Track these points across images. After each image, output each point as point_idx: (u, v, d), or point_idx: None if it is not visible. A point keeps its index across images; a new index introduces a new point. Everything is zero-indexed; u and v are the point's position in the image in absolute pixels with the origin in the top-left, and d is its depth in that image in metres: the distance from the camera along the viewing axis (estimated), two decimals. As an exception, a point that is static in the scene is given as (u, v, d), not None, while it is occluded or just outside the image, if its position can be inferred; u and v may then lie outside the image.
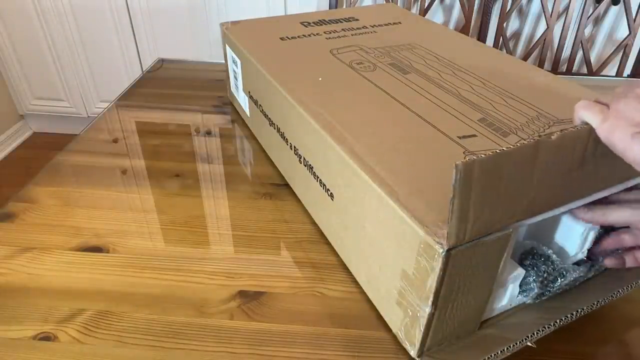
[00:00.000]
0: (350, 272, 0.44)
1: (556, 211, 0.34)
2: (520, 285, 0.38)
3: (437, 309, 0.32)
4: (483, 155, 0.26)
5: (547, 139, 0.29)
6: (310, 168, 0.46)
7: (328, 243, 0.48)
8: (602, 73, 1.27)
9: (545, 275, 0.37)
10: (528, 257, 0.38)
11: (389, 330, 0.39)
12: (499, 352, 0.34)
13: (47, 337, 0.38)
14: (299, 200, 0.54)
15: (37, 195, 0.54)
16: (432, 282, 0.31)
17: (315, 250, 0.47)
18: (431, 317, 0.33)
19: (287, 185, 0.56)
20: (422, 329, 0.34)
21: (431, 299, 0.32)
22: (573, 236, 0.38)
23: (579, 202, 0.36)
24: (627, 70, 1.23)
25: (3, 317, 0.40)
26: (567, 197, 0.34)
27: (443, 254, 0.29)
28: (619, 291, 0.40)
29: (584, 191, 0.35)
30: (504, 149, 0.28)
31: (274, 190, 0.56)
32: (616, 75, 1.21)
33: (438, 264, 0.30)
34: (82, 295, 0.42)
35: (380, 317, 0.40)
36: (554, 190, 0.33)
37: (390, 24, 0.68)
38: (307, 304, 0.42)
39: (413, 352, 0.36)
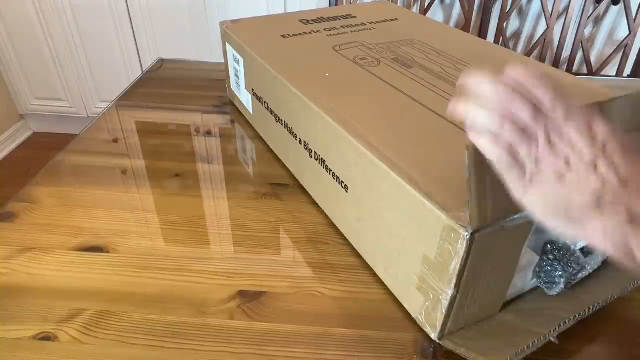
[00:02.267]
0: (351, 272, 0.44)
1: None
2: (545, 280, 0.38)
3: (460, 292, 0.33)
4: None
5: None
6: (322, 162, 0.47)
7: (328, 243, 0.48)
8: (602, 73, 1.27)
9: (571, 270, 0.38)
10: (553, 250, 0.38)
11: (389, 330, 0.39)
12: (525, 347, 0.34)
13: (47, 337, 0.38)
14: (299, 200, 0.54)
15: (37, 195, 0.54)
16: (455, 265, 0.32)
17: (315, 250, 0.47)
18: (453, 299, 0.34)
19: (287, 185, 0.56)
20: (444, 312, 0.34)
21: (454, 281, 0.33)
22: None
23: None
24: (627, 70, 1.23)
25: (3, 317, 0.40)
26: None
27: (468, 237, 0.30)
28: (631, 284, 0.40)
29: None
30: None
31: (274, 190, 0.56)
32: (616, 75, 1.21)
33: (462, 247, 0.31)
34: (82, 295, 0.42)
35: (380, 317, 0.40)
36: None
37: (387, 20, 0.69)
38: (307, 304, 0.42)
39: (434, 335, 0.37)
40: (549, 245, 0.38)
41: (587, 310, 0.37)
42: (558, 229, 0.24)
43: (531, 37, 1.58)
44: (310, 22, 0.68)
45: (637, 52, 1.22)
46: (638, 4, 1.18)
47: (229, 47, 0.67)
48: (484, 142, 0.26)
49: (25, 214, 0.51)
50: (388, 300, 0.42)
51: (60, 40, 1.78)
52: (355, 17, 0.70)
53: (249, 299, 0.42)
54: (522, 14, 1.55)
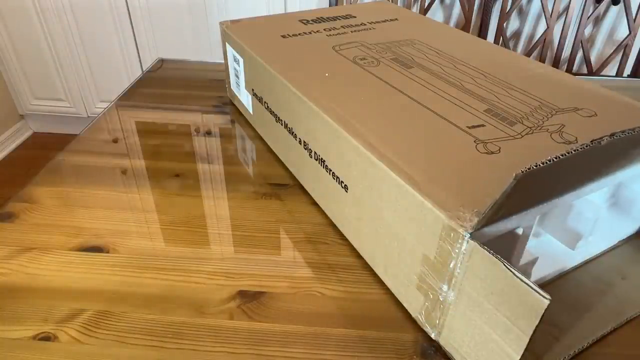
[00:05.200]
0: (351, 272, 0.44)
1: (571, 196, 0.36)
2: None
3: None
4: (542, 164, 0.28)
5: (598, 144, 0.31)
6: (322, 162, 0.47)
7: (328, 243, 0.48)
8: (602, 73, 1.27)
9: None
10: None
11: (389, 330, 0.39)
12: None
13: (47, 337, 0.38)
14: (299, 200, 0.54)
15: (37, 195, 0.54)
16: (455, 265, 0.32)
17: (315, 250, 0.47)
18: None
19: (287, 185, 0.56)
20: (444, 311, 0.35)
21: (453, 281, 0.33)
22: (582, 221, 0.40)
23: (593, 184, 0.37)
24: (627, 70, 1.23)
25: (3, 317, 0.40)
26: (583, 181, 0.36)
27: (467, 237, 0.30)
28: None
29: (599, 174, 0.38)
30: (560, 156, 0.29)
31: (274, 190, 0.56)
32: (616, 75, 1.21)
33: (462, 247, 0.31)
34: (82, 295, 0.42)
35: (380, 317, 0.40)
36: (577, 177, 0.35)
37: (387, 20, 0.69)
38: (307, 304, 0.42)
39: (434, 335, 0.37)
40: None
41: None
42: None
43: (531, 37, 1.58)
44: (310, 22, 0.68)
45: (637, 52, 1.22)
46: (638, 4, 1.18)
47: (228, 47, 0.67)
48: None
49: (25, 214, 0.51)
50: (388, 300, 0.42)
51: (60, 40, 1.78)
52: (355, 17, 0.70)
53: (249, 299, 0.42)
54: (522, 14, 1.55)
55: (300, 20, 0.69)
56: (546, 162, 0.28)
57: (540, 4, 1.30)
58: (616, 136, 0.31)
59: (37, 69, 1.86)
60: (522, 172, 0.27)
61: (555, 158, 0.29)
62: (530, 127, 0.40)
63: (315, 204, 0.53)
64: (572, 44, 1.23)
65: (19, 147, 1.99)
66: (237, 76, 0.67)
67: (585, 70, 1.25)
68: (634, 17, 1.16)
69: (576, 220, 0.41)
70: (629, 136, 0.33)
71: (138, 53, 1.78)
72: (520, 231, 0.35)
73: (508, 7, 1.25)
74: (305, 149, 0.50)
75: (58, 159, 0.61)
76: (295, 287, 0.43)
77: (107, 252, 0.47)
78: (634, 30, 1.16)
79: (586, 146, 0.30)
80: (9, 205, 0.52)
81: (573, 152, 0.30)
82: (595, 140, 0.31)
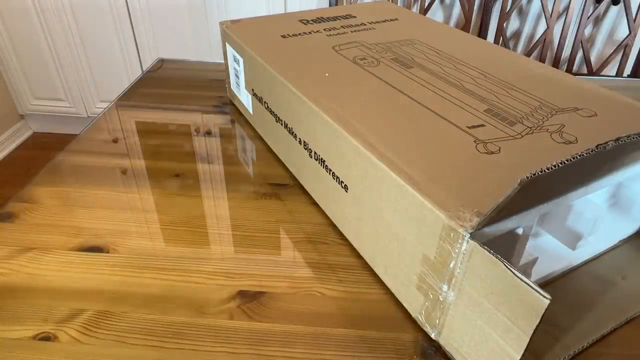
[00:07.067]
0: (351, 272, 0.44)
1: (571, 196, 0.36)
2: None
3: None
4: (547, 170, 0.29)
5: (604, 149, 0.31)
6: (322, 162, 0.47)
7: (328, 243, 0.48)
8: (602, 73, 1.27)
9: None
10: None
11: (389, 330, 0.39)
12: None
13: (47, 337, 0.38)
14: (299, 200, 0.54)
15: (37, 195, 0.54)
16: (454, 265, 0.32)
17: (315, 250, 0.47)
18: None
19: (287, 185, 0.56)
20: (444, 311, 0.35)
21: (453, 281, 0.33)
22: (582, 221, 0.40)
23: (593, 184, 0.37)
24: (627, 70, 1.23)
25: (3, 317, 0.40)
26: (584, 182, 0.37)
27: (467, 237, 0.30)
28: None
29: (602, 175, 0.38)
30: (565, 161, 0.30)
31: (274, 190, 0.56)
32: (616, 75, 1.21)
33: (462, 247, 0.31)
34: (82, 295, 0.42)
35: (380, 317, 0.40)
36: (578, 179, 0.35)
37: (387, 20, 0.69)
38: (307, 304, 0.42)
39: (434, 335, 0.37)
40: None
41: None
42: None
43: (531, 37, 1.58)
44: (310, 22, 0.68)
45: (637, 52, 1.22)
46: (638, 4, 1.18)
47: (228, 47, 0.67)
48: None
49: (25, 214, 0.51)
50: (388, 300, 0.42)
51: (60, 40, 1.78)
52: (355, 17, 0.70)
53: (249, 299, 0.42)
54: (522, 14, 1.55)
55: (300, 20, 0.69)
56: (551, 167, 0.28)
57: (540, 4, 1.30)
58: (621, 141, 0.31)
59: (37, 69, 1.86)
60: (527, 177, 0.27)
61: (561, 163, 0.29)
62: (530, 127, 0.40)
63: (315, 204, 0.53)
64: (572, 44, 1.23)
65: (19, 147, 1.99)
66: (237, 76, 0.67)
67: (585, 70, 1.25)
68: (634, 17, 1.16)
69: (576, 220, 0.41)
70: (634, 140, 0.33)
71: (138, 53, 1.78)
72: (520, 231, 0.35)
73: (508, 7, 1.25)
74: (305, 149, 0.50)
75: (58, 159, 0.61)
76: (295, 287, 0.43)
77: (107, 252, 0.47)
78: (634, 30, 1.16)
79: (592, 151, 0.30)
80: (9, 205, 0.52)
81: (578, 156, 0.30)
82: (600, 144, 0.30)
